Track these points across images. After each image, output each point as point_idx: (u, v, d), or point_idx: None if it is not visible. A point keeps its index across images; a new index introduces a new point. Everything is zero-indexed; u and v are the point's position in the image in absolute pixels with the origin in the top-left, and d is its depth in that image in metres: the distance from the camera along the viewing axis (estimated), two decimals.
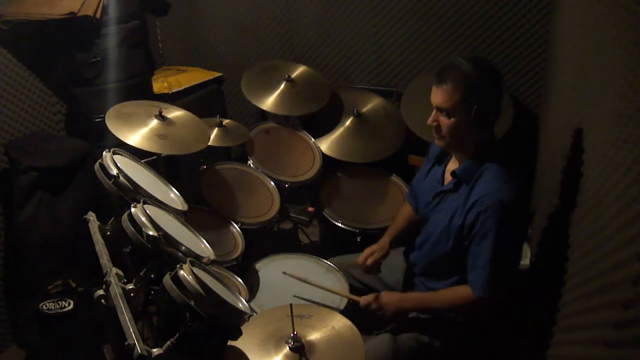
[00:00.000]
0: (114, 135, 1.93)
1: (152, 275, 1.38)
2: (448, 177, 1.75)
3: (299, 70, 2.76)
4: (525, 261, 2.12)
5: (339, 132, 2.66)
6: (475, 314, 1.71)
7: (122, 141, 1.92)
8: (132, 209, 1.39)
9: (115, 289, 1.30)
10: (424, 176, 1.89)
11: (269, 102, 2.61)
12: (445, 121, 1.60)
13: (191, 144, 2.09)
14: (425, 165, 1.91)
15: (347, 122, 2.68)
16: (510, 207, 1.56)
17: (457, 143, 1.66)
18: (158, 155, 2.14)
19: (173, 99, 2.88)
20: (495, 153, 1.64)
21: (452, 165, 1.76)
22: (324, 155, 2.56)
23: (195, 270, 1.25)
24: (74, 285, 2.11)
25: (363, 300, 1.75)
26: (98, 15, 2.38)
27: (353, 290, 1.96)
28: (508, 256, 1.62)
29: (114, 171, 1.50)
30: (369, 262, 1.90)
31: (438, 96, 1.59)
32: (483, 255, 1.58)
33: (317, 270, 2.05)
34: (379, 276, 1.99)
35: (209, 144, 2.26)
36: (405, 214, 2.05)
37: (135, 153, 1.76)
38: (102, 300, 1.34)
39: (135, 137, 1.95)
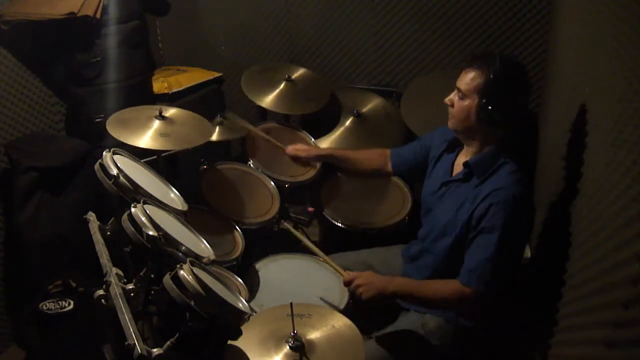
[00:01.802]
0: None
1: (152, 275, 1.38)
2: (458, 168, 1.75)
3: (298, 72, 2.76)
4: (526, 258, 2.12)
5: (339, 132, 2.66)
6: (466, 308, 1.68)
7: (122, 141, 1.92)
8: (132, 209, 1.39)
9: (115, 289, 1.30)
10: (433, 164, 1.88)
11: (268, 100, 2.61)
12: (457, 102, 1.66)
13: (196, 138, 2.10)
14: (432, 152, 1.90)
15: (347, 122, 2.67)
16: (522, 204, 1.58)
17: (463, 129, 1.68)
18: (158, 155, 2.14)
19: (173, 99, 2.88)
20: (511, 152, 1.65)
21: (463, 157, 1.76)
22: None
23: (195, 270, 1.25)
24: (74, 285, 2.11)
25: (347, 275, 1.72)
26: (98, 15, 2.37)
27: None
28: (511, 253, 1.62)
29: (114, 171, 1.50)
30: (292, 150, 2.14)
31: (461, 77, 1.65)
32: (487, 249, 1.58)
33: (317, 270, 2.05)
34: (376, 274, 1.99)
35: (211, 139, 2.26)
36: (371, 154, 2.11)
37: (135, 153, 1.76)
38: (102, 300, 1.34)
39: (142, 139, 1.95)
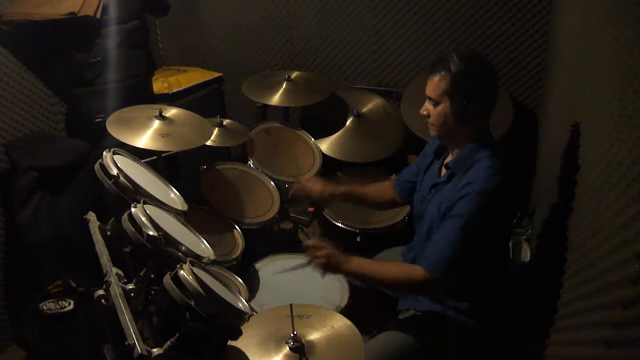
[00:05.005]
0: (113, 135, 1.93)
1: (152, 275, 1.38)
2: (444, 170, 1.77)
3: (298, 73, 2.76)
4: (526, 259, 2.12)
5: (339, 132, 2.66)
6: (419, 291, 1.71)
7: (122, 141, 1.92)
8: (132, 209, 1.39)
9: (115, 289, 1.30)
10: (423, 173, 1.89)
11: (270, 99, 2.61)
12: (432, 110, 1.69)
13: (195, 139, 2.11)
14: (422, 163, 1.92)
15: (347, 122, 2.68)
16: (491, 198, 1.57)
17: (445, 133, 1.71)
18: (158, 155, 2.14)
19: (173, 99, 2.88)
20: (488, 146, 1.65)
21: (449, 158, 1.77)
22: (324, 155, 2.56)
23: (195, 270, 1.25)
24: (74, 285, 2.11)
25: (309, 242, 1.73)
26: (98, 16, 2.38)
27: (352, 287, 1.96)
28: (472, 244, 1.60)
29: (114, 171, 1.50)
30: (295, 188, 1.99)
31: (428, 86, 1.68)
32: (448, 236, 1.59)
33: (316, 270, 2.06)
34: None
35: (209, 144, 2.26)
36: (382, 187, 2.04)
37: (135, 153, 1.76)
38: (102, 300, 1.34)
39: (141, 139, 1.96)
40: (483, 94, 1.64)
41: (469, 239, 1.58)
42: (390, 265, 1.72)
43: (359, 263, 1.69)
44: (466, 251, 1.59)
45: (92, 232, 1.53)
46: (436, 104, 1.66)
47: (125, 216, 1.39)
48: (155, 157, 2.13)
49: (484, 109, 1.66)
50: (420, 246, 1.80)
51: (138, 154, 1.78)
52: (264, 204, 2.35)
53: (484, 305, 1.74)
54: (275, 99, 2.61)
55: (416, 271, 1.61)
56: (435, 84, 1.65)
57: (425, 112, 1.71)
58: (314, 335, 1.42)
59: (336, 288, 1.96)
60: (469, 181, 1.60)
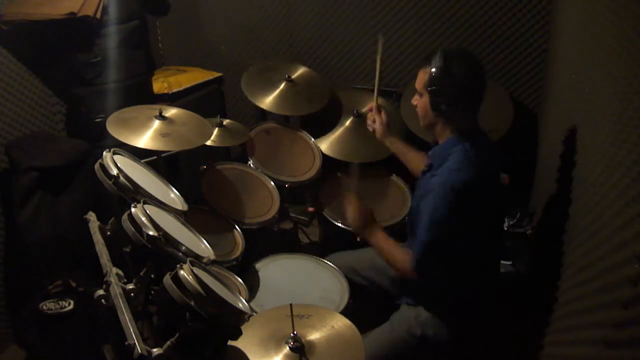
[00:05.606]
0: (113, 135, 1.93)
1: (152, 275, 1.38)
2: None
3: (298, 71, 2.76)
4: (525, 259, 2.12)
5: (339, 132, 2.66)
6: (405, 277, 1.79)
7: (122, 141, 1.92)
8: (132, 209, 1.39)
9: (115, 289, 1.31)
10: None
11: (268, 102, 2.61)
12: (418, 101, 1.75)
13: (195, 139, 2.10)
14: None
15: (347, 122, 2.67)
16: (455, 191, 1.59)
17: (429, 124, 1.76)
18: (158, 155, 2.14)
19: (173, 99, 2.88)
20: (467, 140, 1.67)
21: None
22: (324, 155, 2.56)
23: (195, 270, 1.25)
24: (74, 285, 2.11)
25: (354, 202, 1.89)
26: (98, 16, 2.37)
27: (354, 285, 1.97)
28: (442, 238, 1.64)
29: (114, 171, 1.50)
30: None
31: (417, 78, 1.75)
32: (420, 231, 1.66)
33: (317, 270, 2.06)
34: (381, 270, 2.00)
35: (209, 144, 2.26)
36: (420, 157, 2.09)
37: (135, 153, 1.76)
38: (102, 300, 1.34)
39: (141, 139, 1.95)
40: (460, 95, 1.66)
41: (436, 233, 1.63)
42: (395, 252, 1.79)
43: (377, 238, 1.85)
44: (436, 244, 1.64)
45: (92, 232, 1.53)
46: (420, 95, 1.73)
47: (125, 216, 1.39)
48: (155, 157, 2.13)
49: (463, 107, 1.68)
50: (410, 236, 1.85)
51: (138, 154, 1.78)
52: (264, 204, 2.35)
53: (476, 300, 1.76)
54: (274, 105, 2.60)
55: (408, 263, 1.70)
56: (420, 77, 1.71)
57: (414, 103, 1.78)
58: (314, 335, 1.42)
59: (336, 288, 1.96)
60: (436, 174, 1.67)
